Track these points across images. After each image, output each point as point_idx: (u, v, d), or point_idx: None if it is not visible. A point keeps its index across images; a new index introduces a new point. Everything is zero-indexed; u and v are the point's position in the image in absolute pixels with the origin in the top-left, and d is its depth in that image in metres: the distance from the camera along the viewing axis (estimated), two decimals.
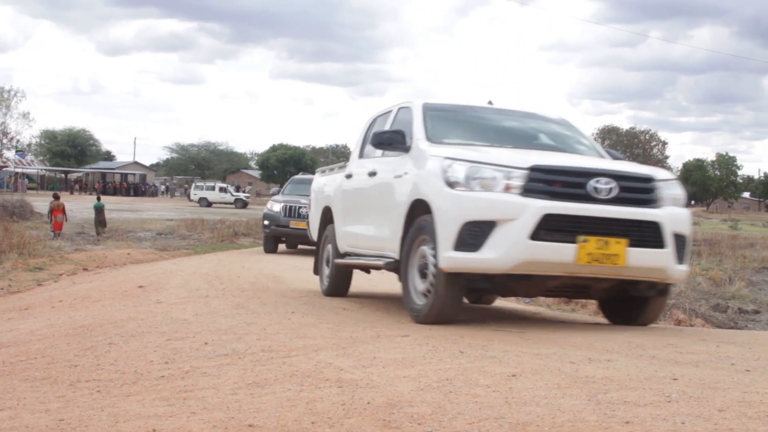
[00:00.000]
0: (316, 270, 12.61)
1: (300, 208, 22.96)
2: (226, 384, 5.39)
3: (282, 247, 25.64)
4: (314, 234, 12.87)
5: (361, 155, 11.08)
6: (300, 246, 25.32)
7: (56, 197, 30.28)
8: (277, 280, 14.19)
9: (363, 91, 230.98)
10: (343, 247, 11.03)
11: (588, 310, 14.03)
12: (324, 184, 12.52)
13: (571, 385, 5.00)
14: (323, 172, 13.34)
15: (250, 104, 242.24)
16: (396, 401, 4.67)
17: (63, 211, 29.05)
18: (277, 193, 26.20)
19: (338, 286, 11.64)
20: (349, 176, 11.03)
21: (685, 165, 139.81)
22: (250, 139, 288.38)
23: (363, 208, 10.36)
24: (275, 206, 23.96)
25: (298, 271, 16.80)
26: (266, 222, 24.03)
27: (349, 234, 10.75)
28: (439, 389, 4.94)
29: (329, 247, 11.72)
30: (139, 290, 12.56)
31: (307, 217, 22.09)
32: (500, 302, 14.08)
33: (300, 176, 27.96)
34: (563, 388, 4.92)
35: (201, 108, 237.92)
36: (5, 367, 6.60)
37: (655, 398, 4.67)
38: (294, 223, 23.16)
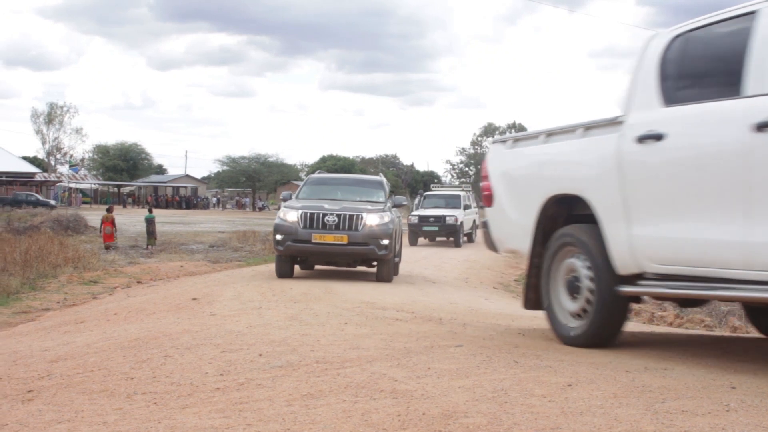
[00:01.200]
0: (534, 302, 8.18)
1: (325, 216, 17.05)
2: (281, 396, 5.40)
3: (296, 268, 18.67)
4: (517, 242, 8.46)
5: (668, 101, 6.70)
6: (317, 267, 19.74)
7: (109, 210, 30.70)
8: (330, 291, 14.21)
9: (412, 101, 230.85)
10: (639, 262, 6.80)
11: (641, 317, 13.90)
12: (547, 158, 8.09)
13: (627, 395, 4.96)
14: (515, 141, 8.84)
15: (300, 116, 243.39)
16: (451, 412, 4.66)
17: (112, 223, 29.41)
18: (289, 197, 19.26)
19: (606, 326, 7.23)
20: (656, 137, 6.55)
21: None
22: (300, 151, 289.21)
23: (736, 192, 5.85)
24: (290, 215, 17.36)
25: (350, 282, 16.82)
26: (279, 236, 17.22)
27: (676, 241, 6.45)
28: (495, 399, 4.92)
29: (575, 264, 7.41)
30: (193, 303, 12.64)
31: (344, 227, 16.81)
32: None
33: (317, 175, 21.66)
34: (620, 398, 4.88)
35: (251, 120, 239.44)
36: (63, 379, 6.67)
37: (714, 407, 4.61)
38: (318, 237, 16.90)
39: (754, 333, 11.07)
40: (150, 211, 32.83)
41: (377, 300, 12.70)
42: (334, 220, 17.01)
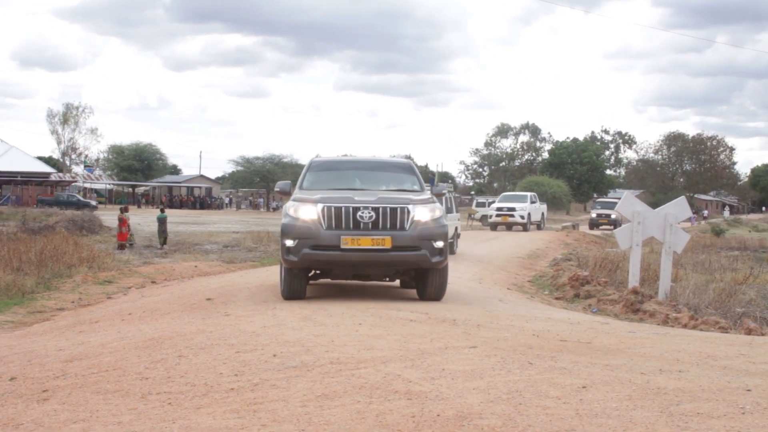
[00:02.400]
0: None
1: (358, 210, 12.18)
2: (295, 396, 5.40)
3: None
4: None
5: None
6: (325, 280, 14.42)
7: (122, 210, 30.93)
8: (344, 292, 14.21)
9: (426, 102, 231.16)
10: None
11: (656, 319, 13.85)
12: None
13: (642, 397, 4.94)
14: None
15: (314, 116, 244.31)
16: (466, 413, 4.66)
17: (124, 223, 29.64)
18: (288, 188, 14.25)
19: None
20: None
21: (753, 170, 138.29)
22: (314, 151, 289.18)
23: None
24: (305, 210, 12.35)
25: (364, 284, 16.80)
26: (289, 242, 12.19)
27: None
28: (509, 401, 4.92)
29: None
30: (207, 303, 12.66)
31: (384, 226, 12.13)
32: (567, 314, 13.98)
33: (323, 158, 15.38)
34: (635, 400, 4.86)
35: (265, 121, 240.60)
36: (77, 379, 6.69)
37: (729, 410, 4.60)
38: (349, 240, 12.01)
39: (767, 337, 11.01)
40: (162, 210, 33.06)
41: (391, 301, 12.68)
42: (370, 216, 12.15)
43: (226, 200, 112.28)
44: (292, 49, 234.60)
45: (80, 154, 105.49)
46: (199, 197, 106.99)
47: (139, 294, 17.03)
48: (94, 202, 75.99)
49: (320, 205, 12.24)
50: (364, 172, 14.91)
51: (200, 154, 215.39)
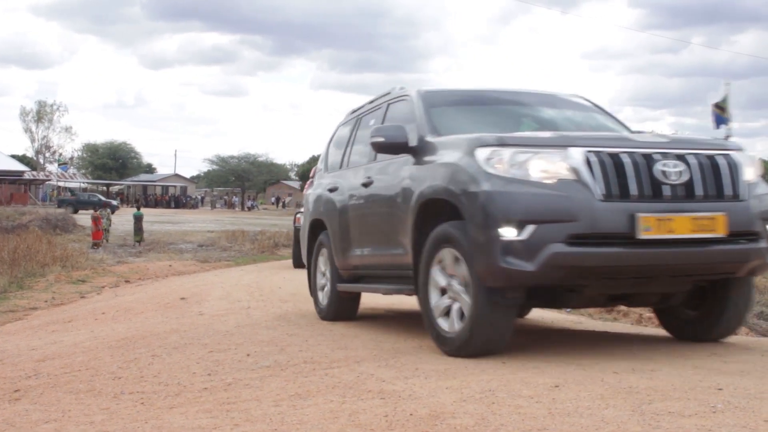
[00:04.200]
0: None
1: (655, 162, 6.03)
2: (268, 396, 5.40)
3: None
4: None
5: None
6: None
7: (95, 209, 30.99)
8: None
9: None
10: None
11: (629, 318, 13.91)
12: None
13: (614, 396, 4.96)
14: None
15: (292, 115, 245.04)
16: (439, 412, 4.66)
17: (99, 221, 29.65)
18: (403, 135, 7.27)
19: None
20: None
21: None
22: (291, 150, 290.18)
23: None
24: (544, 164, 5.98)
25: None
26: (511, 231, 5.87)
27: None
28: (482, 400, 4.92)
29: None
30: (181, 302, 12.62)
31: (707, 192, 6.12)
32: (540, 312, 14.00)
33: (440, 88, 8.52)
34: (607, 399, 4.88)
35: (243, 120, 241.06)
36: (50, 379, 6.65)
37: (700, 409, 4.62)
38: (653, 223, 5.87)
39: (741, 335, 11.08)
40: (138, 208, 33.15)
41: (366, 300, 12.66)
42: (679, 173, 6.12)
43: (199, 198, 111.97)
44: (270, 47, 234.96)
45: (54, 152, 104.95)
46: (174, 196, 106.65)
47: (113, 293, 16.97)
48: (115, 202, 75.70)
49: (581, 151, 6.08)
50: (531, 108, 8.56)
51: (175, 152, 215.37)
